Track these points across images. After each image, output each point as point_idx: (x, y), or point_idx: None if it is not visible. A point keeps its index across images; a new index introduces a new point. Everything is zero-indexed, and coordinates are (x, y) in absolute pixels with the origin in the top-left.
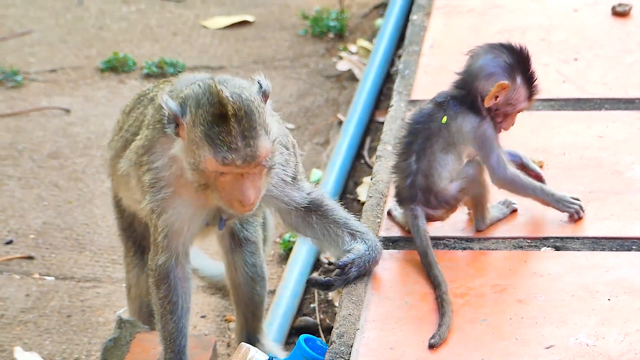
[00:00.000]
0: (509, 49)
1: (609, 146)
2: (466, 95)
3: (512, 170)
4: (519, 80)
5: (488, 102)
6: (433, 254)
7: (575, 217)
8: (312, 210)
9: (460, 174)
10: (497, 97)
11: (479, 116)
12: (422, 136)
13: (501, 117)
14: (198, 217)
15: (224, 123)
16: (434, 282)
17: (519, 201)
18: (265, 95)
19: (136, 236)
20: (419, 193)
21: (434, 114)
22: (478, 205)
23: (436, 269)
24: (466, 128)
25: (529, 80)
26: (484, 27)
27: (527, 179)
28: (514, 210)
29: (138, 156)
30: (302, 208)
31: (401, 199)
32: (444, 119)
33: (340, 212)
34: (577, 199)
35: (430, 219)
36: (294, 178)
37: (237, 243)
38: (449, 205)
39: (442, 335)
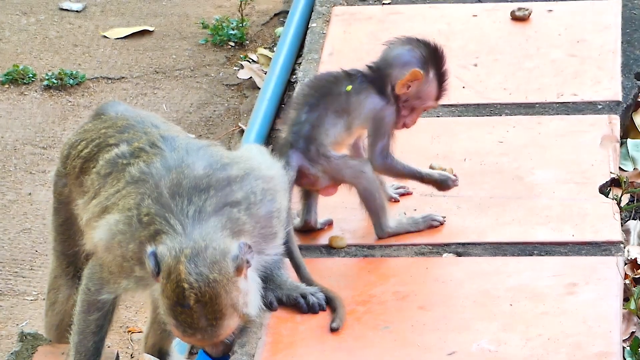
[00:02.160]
0: (425, 44)
1: (509, 151)
2: (377, 79)
3: (393, 159)
4: (432, 74)
5: (400, 89)
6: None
7: (453, 185)
8: None
9: (350, 151)
10: (409, 86)
11: (384, 100)
12: (320, 92)
13: (408, 110)
14: None
15: (186, 308)
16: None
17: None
18: (239, 269)
19: (77, 262)
20: (300, 140)
21: (340, 79)
22: (371, 209)
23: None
24: (368, 106)
25: (441, 77)
26: (383, 34)
27: (407, 166)
28: (432, 226)
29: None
30: None
31: (280, 147)
32: (349, 87)
33: None
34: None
35: (303, 177)
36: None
37: None
38: (327, 166)
39: (341, 318)
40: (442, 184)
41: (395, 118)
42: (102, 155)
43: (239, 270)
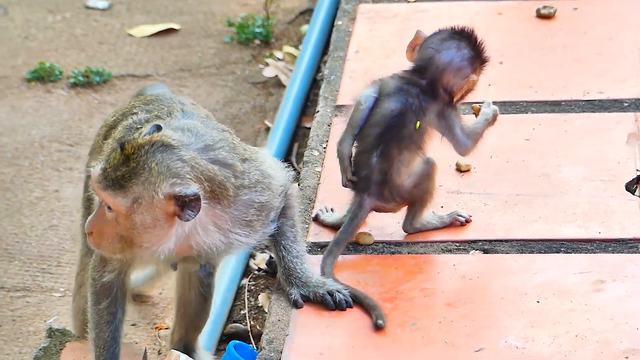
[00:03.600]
0: (466, 37)
1: (535, 149)
2: (429, 84)
3: (471, 130)
4: (480, 68)
5: (458, 95)
6: (341, 247)
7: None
8: None
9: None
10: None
11: (442, 103)
12: (389, 137)
13: (460, 97)
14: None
15: (118, 148)
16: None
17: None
18: (168, 199)
19: None
20: (372, 186)
21: (405, 113)
22: (417, 204)
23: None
24: (432, 119)
25: (484, 62)
26: (409, 31)
27: (478, 125)
28: (457, 221)
29: None
30: None
31: (355, 185)
32: (417, 125)
33: None
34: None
35: (379, 210)
36: None
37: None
38: (402, 200)
39: (382, 315)
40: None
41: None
42: (122, 122)
43: (167, 199)
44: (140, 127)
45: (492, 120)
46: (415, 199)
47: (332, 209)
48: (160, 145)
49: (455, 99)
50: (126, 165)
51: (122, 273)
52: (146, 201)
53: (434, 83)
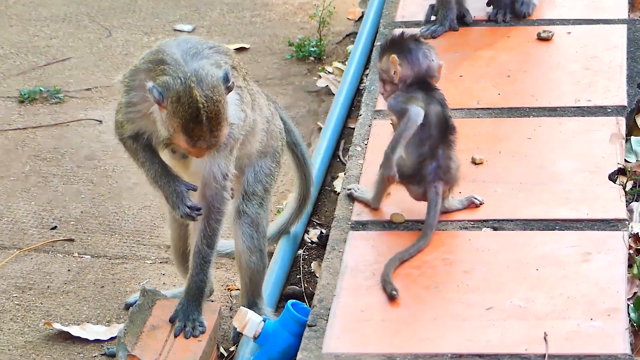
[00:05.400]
0: (418, 40)
1: (536, 146)
2: (430, 85)
3: None
4: None
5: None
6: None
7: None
8: None
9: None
10: None
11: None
12: (448, 133)
13: None
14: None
15: (198, 123)
16: None
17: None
18: (229, 88)
19: None
20: (440, 173)
21: (445, 110)
22: (451, 187)
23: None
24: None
25: None
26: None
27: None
28: (473, 204)
29: (124, 77)
30: None
31: (421, 177)
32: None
33: None
34: None
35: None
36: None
37: (237, 215)
38: (454, 182)
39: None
40: None
41: None
42: None
43: (228, 90)
44: None
45: None
46: (454, 182)
47: (360, 189)
48: (203, 86)
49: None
50: (211, 126)
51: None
52: (227, 113)
53: (432, 82)
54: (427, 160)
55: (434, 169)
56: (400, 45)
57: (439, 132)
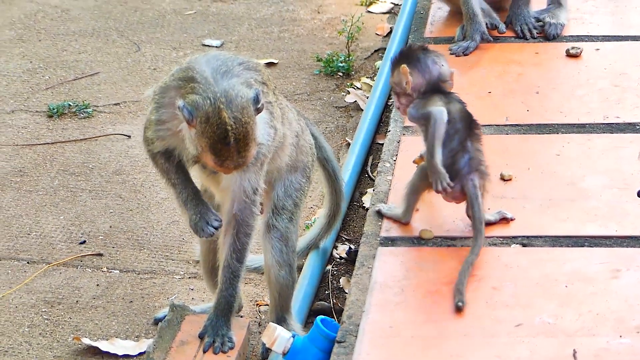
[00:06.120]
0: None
1: (564, 162)
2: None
3: None
4: None
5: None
6: (483, 215)
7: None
8: None
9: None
10: None
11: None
12: (473, 127)
13: None
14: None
15: (225, 144)
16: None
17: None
18: (258, 110)
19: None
20: (474, 164)
21: (463, 106)
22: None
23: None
24: None
25: None
26: (462, 67)
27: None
28: (504, 219)
29: (154, 94)
30: None
31: (456, 172)
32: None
33: None
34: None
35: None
36: None
37: (267, 229)
38: (488, 178)
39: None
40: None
41: None
42: None
43: (258, 111)
44: None
45: None
46: (487, 176)
47: (389, 206)
48: (232, 107)
49: None
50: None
51: (170, 150)
52: (256, 134)
53: (446, 88)
54: (458, 154)
55: (467, 161)
56: (409, 56)
57: (465, 126)
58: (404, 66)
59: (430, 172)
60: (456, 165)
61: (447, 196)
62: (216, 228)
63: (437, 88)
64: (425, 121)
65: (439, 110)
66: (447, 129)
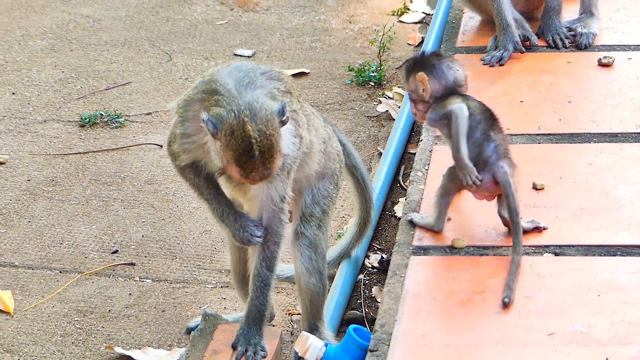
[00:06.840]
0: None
1: (597, 172)
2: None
3: None
4: None
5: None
6: (517, 203)
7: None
8: None
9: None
10: None
11: None
12: (494, 119)
13: None
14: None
15: (250, 157)
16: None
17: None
18: (283, 122)
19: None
20: (502, 150)
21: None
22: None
23: (517, 216)
24: None
25: None
26: (494, 77)
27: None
28: (537, 229)
29: (178, 107)
30: None
31: (484, 162)
32: None
33: None
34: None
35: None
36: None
37: (296, 237)
38: (515, 167)
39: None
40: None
41: None
42: None
43: (282, 124)
44: None
45: None
46: (515, 165)
47: (422, 216)
48: (256, 120)
49: None
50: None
51: (196, 162)
52: (280, 146)
53: (461, 92)
54: (483, 143)
55: (493, 149)
56: (423, 63)
57: (486, 118)
58: (422, 74)
59: (458, 168)
60: (483, 154)
61: (478, 191)
62: (260, 236)
63: (453, 93)
64: (447, 120)
65: (458, 106)
66: (469, 123)
